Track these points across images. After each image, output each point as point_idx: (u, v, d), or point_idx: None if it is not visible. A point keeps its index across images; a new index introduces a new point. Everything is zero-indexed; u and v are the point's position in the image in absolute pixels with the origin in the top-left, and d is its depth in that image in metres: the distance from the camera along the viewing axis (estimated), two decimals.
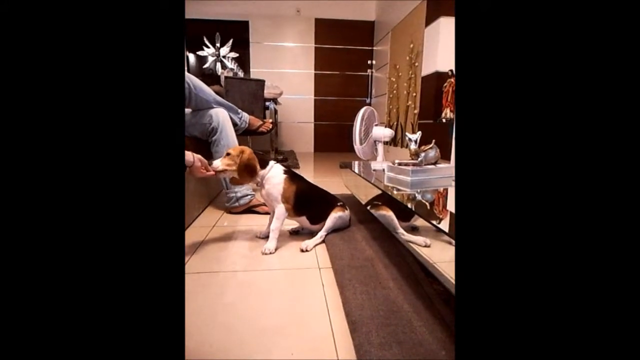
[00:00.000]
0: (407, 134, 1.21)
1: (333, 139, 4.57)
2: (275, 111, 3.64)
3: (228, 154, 1.05)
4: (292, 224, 1.22)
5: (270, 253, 1.04)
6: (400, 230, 0.84)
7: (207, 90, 1.41)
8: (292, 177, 1.12)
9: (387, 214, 0.93)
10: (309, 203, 1.13)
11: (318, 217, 1.15)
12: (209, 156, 1.47)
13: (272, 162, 1.11)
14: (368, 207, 1.14)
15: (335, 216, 1.15)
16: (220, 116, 1.42)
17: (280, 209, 1.09)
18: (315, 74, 4.44)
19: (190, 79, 1.35)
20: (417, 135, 1.19)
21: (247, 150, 1.07)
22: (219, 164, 1.04)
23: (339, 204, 1.19)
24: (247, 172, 1.05)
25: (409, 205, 0.84)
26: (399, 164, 1.17)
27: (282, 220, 1.09)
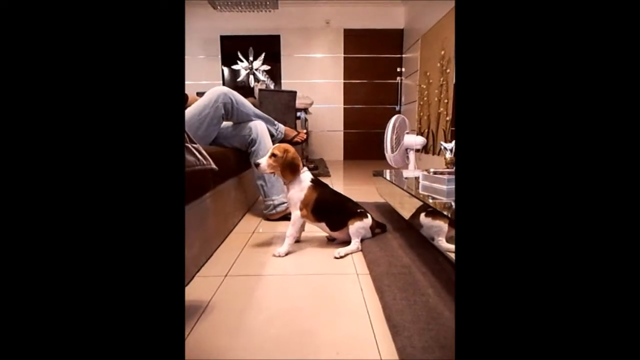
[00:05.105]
0: (442, 143, 1.22)
1: (362, 146, 4.59)
2: (306, 120, 3.74)
3: (273, 155, 1.11)
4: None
5: (280, 256, 1.10)
6: (440, 238, 0.85)
7: (248, 105, 1.51)
8: (316, 185, 1.17)
9: (435, 223, 0.93)
10: (328, 210, 1.17)
11: (337, 224, 1.18)
12: (248, 165, 1.56)
13: (305, 169, 1.18)
14: (414, 224, 1.14)
15: (355, 227, 1.15)
16: (259, 128, 1.50)
17: (296, 215, 1.14)
18: (344, 83, 4.50)
19: (233, 94, 1.45)
20: (453, 144, 1.20)
21: (291, 150, 1.14)
22: (264, 163, 1.11)
23: (359, 210, 1.19)
24: (290, 170, 1.12)
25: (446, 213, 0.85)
26: (435, 173, 1.18)
27: (296, 226, 1.14)
